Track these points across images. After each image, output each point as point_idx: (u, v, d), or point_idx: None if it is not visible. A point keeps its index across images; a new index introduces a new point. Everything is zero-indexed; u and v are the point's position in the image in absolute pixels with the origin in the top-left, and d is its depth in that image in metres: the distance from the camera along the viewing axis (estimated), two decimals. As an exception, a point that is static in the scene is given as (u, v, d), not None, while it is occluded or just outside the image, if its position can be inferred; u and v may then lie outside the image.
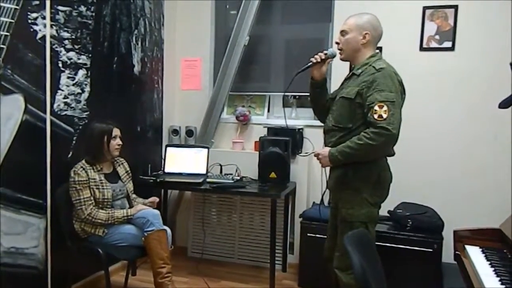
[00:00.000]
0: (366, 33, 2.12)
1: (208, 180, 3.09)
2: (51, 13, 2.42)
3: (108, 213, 2.46)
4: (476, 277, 1.47)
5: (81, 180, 2.42)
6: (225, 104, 3.57)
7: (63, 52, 2.54)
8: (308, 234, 2.89)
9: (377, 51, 2.19)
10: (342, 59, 2.22)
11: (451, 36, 2.96)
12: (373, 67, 2.05)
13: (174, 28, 3.68)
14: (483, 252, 1.67)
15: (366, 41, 2.12)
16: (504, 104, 1.68)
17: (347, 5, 3.03)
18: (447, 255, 2.46)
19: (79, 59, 2.66)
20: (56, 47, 2.48)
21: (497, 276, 1.43)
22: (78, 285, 2.73)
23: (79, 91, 2.69)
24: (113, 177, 2.61)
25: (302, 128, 3.31)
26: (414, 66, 2.97)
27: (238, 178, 3.20)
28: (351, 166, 2.07)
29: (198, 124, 3.58)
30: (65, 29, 2.54)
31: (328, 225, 2.33)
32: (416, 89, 2.82)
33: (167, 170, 3.26)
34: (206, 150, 3.25)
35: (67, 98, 2.59)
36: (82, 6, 2.66)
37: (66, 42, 2.56)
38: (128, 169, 2.73)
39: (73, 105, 2.64)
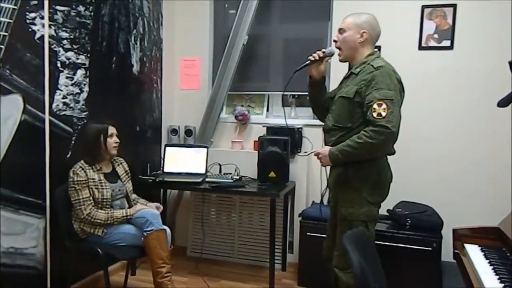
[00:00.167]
0: (363, 32, 2.12)
1: (207, 179, 3.09)
2: (49, 13, 2.42)
3: (107, 213, 2.46)
4: (475, 275, 1.47)
5: (80, 180, 2.41)
6: (224, 104, 3.56)
7: (62, 52, 2.54)
8: (308, 233, 2.89)
9: (376, 49, 2.19)
10: (341, 60, 2.22)
11: (449, 35, 2.96)
12: (372, 65, 2.05)
13: (173, 27, 3.67)
14: (482, 250, 1.67)
15: (364, 40, 2.12)
16: (502, 103, 1.68)
17: (346, 5, 3.03)
18: (446, 254, 2.46)
19: (77, 59, 2.66)
20: (55, 47, 2.48)
21: (496, 274, 1.43)
22: (77, 285, 2.73)
23: (78, 91, 2.69)
24: (112, 176, 2.61)
25: (301, 128, 3.31)
26: (413, 65, 2.97)
27: (237, 177, 3.20)
28: (351, 165, 2.07)
29: (197, 123, 3.58)
30: (64, 29, 2.54)
31: (328, 224, 2.33)
32: (415, 88, 2.82)
33: (166, 169, 3.26)
34: (205, 149, 3.25)
35: (66, 98, 2.59)
36: (81, 6, 2.66)
37: (65, 42, 2.55)
38: (127, 168, 2.73)
39: (72, 105, 2.64)
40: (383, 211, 2.46)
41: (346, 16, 2.19)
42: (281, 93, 3.41)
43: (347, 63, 2.29)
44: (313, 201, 3.27)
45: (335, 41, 2.21)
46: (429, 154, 3.03)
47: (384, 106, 1.95)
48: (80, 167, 2.45)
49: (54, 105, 2.50)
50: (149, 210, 2.55)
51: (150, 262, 2.47)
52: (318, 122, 2.47)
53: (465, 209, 2.89)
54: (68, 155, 2.61)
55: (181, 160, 3.26)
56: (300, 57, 2.35)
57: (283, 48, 3.49)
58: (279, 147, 3.08)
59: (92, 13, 2.75)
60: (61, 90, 2.55)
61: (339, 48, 2.20)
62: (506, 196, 2.69)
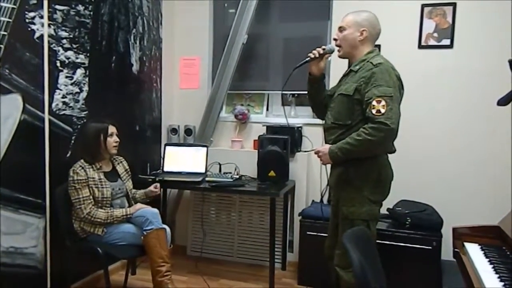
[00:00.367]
0: (363, 30, 2.12)
1: (207, 179, 3.08)
2: (48, 12, 2.42)
3: (107, 212, 2.46)
4: (475, 274, 1.47)
5: (80, 179, 2.41)
6: (223, 103, 3.56)
7: (61, 51, 2.53)
8: (308, 232, 2.89)
9: (375, 47, 2.19)
10: (340, 56, 2.22)
11: (449, 33, 2.96)
12: (371, 62, 2.05)
13: (172, 26, 3.67)
14: (482, 249, 1.67)
15: (364, 38, 2.13)
16: (502, 102, 1.68)
17: (346, 3, 3.02)
18: (446, 253, 2.46)
19: (77, 58, 2.66)
20: (54, 47, 2.48)
21: (496, 273, 1.43)
22: (77, 284, 2.74)
23: (78, 90, 2.68)
24: (112, 175, 2.61)
25: (301, 126, 3.31)
26: (412, 64, 2.97)
27: (237, 176, 3.20)
28: (352, 164, 2.07)
29: (197, 123, 3.58)
30: (63, 28, 2.54)
31: (329, 223, 2.33)
32: (415, 87, 2.82)
33: (166, 169, 3.26)
34: (205, 149, 3.25)
35: (66, 97, 2.59)
36: (80, 5, 2.65)
37: (64, 41, 2.55)
38: (127, 167, 2.73)
39: (71, 105, 2.64)
40: (383, 210, 2.46)
41: (346, 14, 2.19)
42: (280, 92, 3.41)
43: (346, 61, 2.29)
44: (313, 200, 3.27)
45: (335, 39, 2.21)
46: (429, 153, 3.03)
47: (383, 103, 1.95)
48: (80, 166, 2.45)
49: (53, 105, 2.49)
50: (149, 209, 2.55)
51: (150, 261, 2.47)
52: (318, 121, 2.47)
53: (465, 208, 2.89)
54: (68, 155, 2.60)
55: (181, 160, 3.26)
56: (300, 56, 2.35)
57: (283, 47, 3.49)
58: (279, 146, 3.08)
59: (91, 13, 2.75)
60: (61, 90, 2.55)
61: (339, 46, 2.19)
62: (506, 195, 2.69)
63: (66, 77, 2.58)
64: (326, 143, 2.21)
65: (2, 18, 2.14)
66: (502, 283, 1.35)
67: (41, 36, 2.38)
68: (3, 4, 2.14)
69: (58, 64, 2.52)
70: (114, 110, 3.00)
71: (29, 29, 2.31)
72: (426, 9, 3.00)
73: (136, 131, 3.32)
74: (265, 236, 3.27)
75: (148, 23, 3.38)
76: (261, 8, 3.41)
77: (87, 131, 2.54)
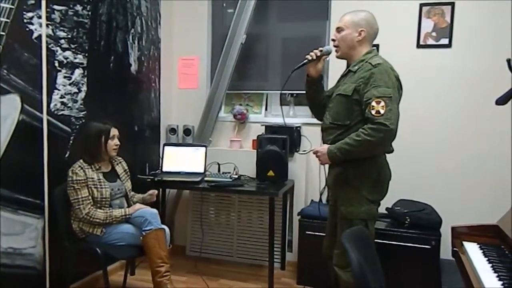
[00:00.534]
0: (361, 30, 2.12)
1: (206, 179, 3.08)
2: (46, 12, 2.41)
3: (106, 212, 2.46)
4: (474, 273, 1.47)
5: (79, 179, 2.41)
6: (222, 103, 3.56)
7: (59, 51, 2.53)
8: (307, 232, 2.90)
9: (374, 48, 2.19)
10: (338, 57, 2.22)
11: (448, 33, 2.96)
12: (370, 63, 2.05)
13: (171, 26, 3.67)
14: (480, 248, 1.67)
15: (362, 38, 2.12)
16: (501, 101, 1.69)
17: (344, 3, 3.02)
18: (445, 252, 2.46)
19: (75, 58, 2.65)
20: (52, 47, 2.47)
21: (495, 272, 1.43)
22: (76, 285, 2.73)
23: (76, 90, 2.68)
24: (111, 176, 2.60)
25: (299, 126, 3.31)
26: (411, 63, 2.97)
27: (236, 176, 3.20)
28: (350, 164, 2.07)
29: (195, 123, 3.58)
30: (61, 28, 2.53)
31: (327, 223, 2.33)
32: (413, 86, 2.82)
33: (165, 169, 3.26)
34: (204, 148, 3.25)
35: (64, 97, 2.58)
36: (78, 5, 2.65)
37: (62, 41, 2.55)
38: (126, 168, 2.73)
39: (70, 105, 2.63)
40: (382, 209, 2.46)
41: (344, 14, 2.19)
42: (279, 92, 3.40)
43: (345, 61, 2.29)
44: (312, 200, 3.27)
45: (333, 39, 2.21)
46: (427, 152, 3.04)
47: (382, 103, 1.95)
48: (79, 166, 2.45)
49: (52, 105, 2.49)
50: (148, 209, 2.55)
51: (149, 261, 2.46)
52: (316, 120, 2.47)
53: (464, 207, 2.90)
54: (67, 155, 2.60)
55: (179, 160, 3.25)
56: (298, 56, 2.35)
57: (282, 47, 3.49)
58: (278, 146, 3.08)
59: (89, 13, 2.75)
60: (59, 90, 2.54)
61: (337, 47, 2.19)
62: (504, 194, 2.69)
63: (65, 77, 2.58)
64: (324, 143, 2.20)
65: (0, 19, 2.14)
66: (501, 282, 1.35)
67: (39, 36, 2.38)
68: (1, 5, 2.14)
69: (57, 64, 2.51)
70: (113, 110, 3.00)
71: (27, 29, 2.30)
72: (425, 9, 3.00)
73: (135, 131, 3.32)
74: (264, 236, 3.27)
75: (147, 23, 3.37)
76: (259, 8, 3.41)
77: (88, 131, 2.53)
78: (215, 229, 3.52)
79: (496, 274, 1.41)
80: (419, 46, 3.03)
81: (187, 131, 3.57)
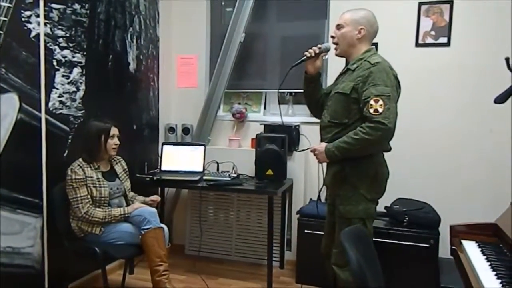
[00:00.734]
0: (361, 28, 2.12)
1: (204, 177, 3.08)
2: (45, 11, 2.40)
3: (105, 211, 2.45)
4: (473, 272, 1.47)
5: (78, 178, 2.41)
6: (221, 102, 3.56)
7: (58, 50, 2.52)
8: (305, 231, 2.90)
9: (372, 46, 2.19)
10: (337, 55, 2.22)
11: (446, 31, 2.96)
12: (368, 61, 2.05)
13: (169, 25, 3.66)
14: (479, 246, 1.67)
15: (362, 36, 2.12)
16: (499, 99, 1.69)
17: (343, 2, 3.02)
18: (444, 250, 2.46)
19: (73, 57, 2.65)
20: (51, 45, 2.47)
21: (493, 270, 1.43)
22: (75, 284, 2.73)
23: (74, 89, 2.68)
24: (110, 175, 2.60)
25: (298, 125, 3.31)
26: (409, 62, 2.97)
27: (235, 175, 3.19)
28: (348, 162, 2.07)
29: (194, 121, 3.57)
30: (59, 27, 2.53)
31: (326, 222, 2.34)
32: (412, 85, 2.82)
33: (163, 168, 3.25)
34: (202, 147, 3.24)
35: (62, 96, 2.58)
36: (76, 4, 2.64)
37: (61, 40, 2.54)
38: (125, 167, 2.73)
39: (68, 104, 2.63)
40: (380, 208, 2.46)
41: (344, 12, 2.18)
42: (277, 90, 3.40)
43: (343, 59, 2.29)
44: (310, 199, 3.28)
45: (332, 37, 2.21)
46: (426, 150, 3.04)
47: (381, 102, 1.95)
48: (78, 165, 2.44)
49: (50, 104, 2.48)
50: (147, 208, 2.54)
51: (148, 260, 2.46)
52: (315, 119, 2.47)
53: (462, 206, 2.90)
54: (65, 154, 2.60)
55: (178, 159, 3.25)
56: (297, 55, 2.34)
57: (280, 45, 3.48)
58: (277, 144, 3.08)
59: (88, 11, 2.74)
60: (57, 89, 2.54)
61: (336, 44, 2.19)
62: (503, 192, 2.69)
63: (63, 76, 2.57)
64: (322, 141, 2.20)
65: (-2, 17, 2.14)
66: (499, 281, 1.35)
67: (38, 35, 2.37)
68: (-1, 3, 2.13)
69: (55, 63, 2.51)
70: (111, 109, 2.99)
71: (25, 28, 2.30)
72: (423, 7, 3.00)
73: (134, 130, 3.31)
74: (263, 235, 3.27)
75: (145, 21, 3.37)
76: (258, 7, 3.40)
77: (88, 130, 2.53)
78: (214, 228, 3.52)
79: (494, 273, 1.41)
80: (417, 45, 3.04)
81: (185, 130, 3.57)
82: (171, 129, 3.60)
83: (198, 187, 3.05)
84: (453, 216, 2.43)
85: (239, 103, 3.61)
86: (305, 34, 3.39)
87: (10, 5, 2.18)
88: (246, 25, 3.35)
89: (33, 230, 2.41)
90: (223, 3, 3.64)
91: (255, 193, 3.21)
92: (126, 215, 2.49)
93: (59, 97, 2.55)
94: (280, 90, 3.29)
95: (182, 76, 3.70)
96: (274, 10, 3.47)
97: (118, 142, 2.57)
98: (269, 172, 3.07)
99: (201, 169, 3.18)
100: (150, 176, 3.09)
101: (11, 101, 2.23)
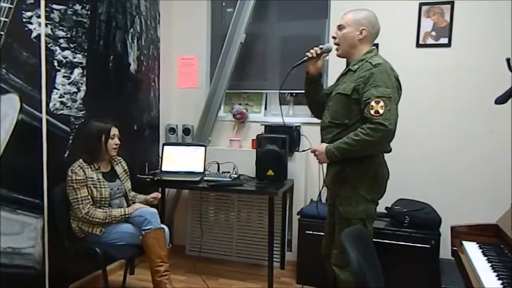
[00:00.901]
0: (363, 29, 2.11)
1: (205, 178, 3.08)
2: (46, 11, 2.41)
3: (106, 212, 2.46)
4: (474, 272, 1.47)
5: (78, 179, 2.41)
6: (222, 102, 3.56)
7: (59, 51, 2.53)
8: (306, 231, 2.90)
9: (374, 47, 2.19)
10: (338, 55, 2.22)
11: (447, 32, 2.96)
12: (370, 63, 2.05)
13: (170, 26, 3.66)
14: (480, 247, 1.67)
15: (363, 37, 2.12)
16: (500, 100, 1.69)
17: (343, 2, 3.02)
18: (445, 251, 2.46)
19: (74, 58, 2.65)
20: (51, 46, 2.47)
21: (494, 271, 1.43)
22: (75, 284, 2.73)
23: (75, 90, 2.68)
24: (111, 175, 2.60)
25: (299, 126, 3.31)
26: (410, 63, 2.97)
27: (236, 176, 3.19)
28: (348, 163, 2.07)
29: (195, 122, 3.58)
30: (60, 27, 2.53)
31: (326, 223, 2.33)
32: (413, 86, 2.82)
33: (164, 168, 3.25)
34: (203, 148, 3.24)
35: (63, 97, 2.58)
36: (77, 5, 2.65)
37: (61, 41, 2.54)
38: (126, 167, 2.73)
39: (69, 104, 2.63)
40: (381, 208, 2.46)
41: (345, 12, 2.18)
42: (278, 91, 3.40)
43: (344, 60, 2.29)
44: (311, 199, 3.27)
45: (334, 37, 2.20)
46: (427, 151, 3.04)
47: (381, 103, 1.94)
48: (79, 165, 2.44)
49: (51, 104, 2.49)
50: (147, 208, 2.55)
51: (149, 261, 2.46)
52: (316, 120, 2.47)
53: (463, 207, 2.90)
54: (66, 154, 2.60)
55: (179, 159, 3.25)
56: (298, 55, 2.34)
57: (281, 46, 3.48)
58: (277, 145, 3.08)
59: (88, 12, 2.74)
60: (58, 89, 2.54)
61: (337, 45, 2.19)
62: (504, 193, 2.69)
63: (64, 76, 2.58)
64: (323, 142, 2.20)
65: (-1, 18, 2.14)
66: (500, 282, 1.35)
67: (38, 35, 2.37)
68: (0, 4, 2.13)
69: (56, 64, 2.51)
70: (112, 110, 2.99)
71: (26, 28, 2.30)
72: (424, 8, 3.00)
73: (134, 130, 3.31)
74: (263, 235, 3.27)
75: (146, 22, 3.37)
76: (259, 7, 3.40)
77: (89, 130, 2.53)
78: (214, 228, 3.52)
79: (495, 274, 1.41)
80: (418, 45, 3.03)
81: (186, 131, 3.57)
82: (172, 130, 3.60)
83: (198, 187, 3.05)
84: (454, 217, 2.43)
85: (240, 104, 3.61)
86: (305, 34, 3.39)
87: (11, 6, 2.19)
88: (246, 26, 3.36)
89: (34, 231, 2.41)
90: (223, 4, 3.64)
91: (256, 194, 3.21)
92: (127, 216, 2.49)
93: (60, 97, 2.55)
94: (281, 91, 3.30)
95: (182, 77, 3.70)
96: (275, 10, 3.47)
97: (118, 142, 2.57)
98: (270, 172, 3.07)
99: (201, 170, 3.18)
100: (151, 177, 3.09)
101: (12, 101, 2.23)
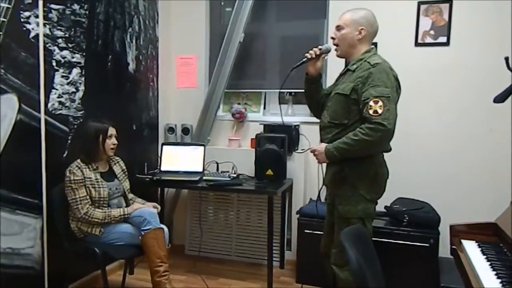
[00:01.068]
0: (361, 29, 2.11)
1: (204, 178, 3.08)
2: (44, 11, 2.40)
3: (105, 212, 2.45)
4: (473, 271, 1.47)
5: (76, 179, 2.40)
6: (221, 102, 3.56)
7: (57, 51, 2.52)
8: (305, 231, 2.90)
9: (372, 46, 2.19)
10: (338, 56, 2.22)
11: (446, 31, 2.96)
12: (368, 62, 2.05)
13: (168, 25, 3.66)
14: (479, 246, 1.67)
15: (362, 37, 2.12)
16: (499, 99, 1.69)
17: (342, 2, 3.02)
18: (444, 250, 2.46)
19: (73, 57, 2.65)
20: (50, 46, 2.47)
21: (493, 270, 1.43)
22: (75, 285, 2.73)
23: (74, 90, 2.67)
24: (109, 175, 2.60)
25: (298, 125, 3.31)
26: (409, 62, 2.97)
27: (235, 175, 3.19)
28: (347, 162, 2.07)
29: (194, 122, 3.57)
30: (59, 27, 2.52)
31: (325, 222, 2.33)
32: (412, 85, 2.82)
33: (163, 168, 3.25)
34: (202, 147, 3.24)
35: (62, 97, 2.58)
36: (76, 4, 2.64)
37: (60, 40, 2.54)
38: (124, 167, 2.72)
39: (67, 104, 2.63)
40: (380, 207, 2.46)
41: (344, 12, 2.18)
42: (277, 90, 3.40)
43: (343, 60, 2.29)
44: (310, 198, 3.28)
45: (332, 38, 2.20)
46: (426, 150, 3.04)
47: (380, 103, 1.94)
48: (77, 166, 2.44)
49: (49, 105, 2.48)
50: (147, 208, 2.55)
51: (148, 261, 2.46)
52: (315, 119, 2.47)
53: (462, 205, 2.90)
54: (64, 154, 2.59)
55: (178, 159, 3.25)
56: (296, 54, 2.35)
57: (280, 45, 3.48)
58: (276, 144, 3.08)
59: (87, 12, 2.74)
60: (57, 89, 2.54)
61: (336, 45, 2.19)
62: (503, 192, 2.69)
63: (62, 76, 2.57)
64: (322, 142, 2.20)
65: (-3, 18, 2.13)
66: (499, 280, 1.35)
67: (37, 35, 2.37)
68: (-2, 4, 2.13)
69: (54, 64, 2.51)
70: (111, 110, 2.99)
71: (24, 28, 2.29)
72: (423, 7, 3.00)
73: (133, 130, 3.31)
74: (263, 235, 3.27)
75: (144, 22, 3.36)
76: (257, 7, 3.40)
77: (86, 130, 2.53)
78: (214, 228, 3.52)
79: (494, 272, 1.41)
80: (417, 44, 3.03)
81: (185, 130, 3.56)
82: (171, 129, 3.60)
83: (198, 187, 3.05)
84: (453, 216, 2.43)
85: (239, 103, 3.61)
86: (304, 34, 3.39)
87: (9, 6, 2.18)
88: (245, 25, 3.35)
89: (33, 231, 2.41)
90: (222, 3, 3.63)
91: (255, 193, 3.21)
92: (126, 216, 2.49)
93: (58, 97, 2.55)
94: (281, 91, 3.29)
95: (181, 76, 3.70)
96: (274, 10, 3.47)
97: (116, 142, 2.57)
98: (269, 172, 3.07)
99: (201, 169, 3.17)
100: (150, 177, 3.09)
101: (11, 102, 2.23)
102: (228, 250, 3.49)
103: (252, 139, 3.36)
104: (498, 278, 1.37)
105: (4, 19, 2.16)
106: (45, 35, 2.42)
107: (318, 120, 2.33)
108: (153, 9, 3.47)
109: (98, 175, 2.51)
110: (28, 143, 2.36)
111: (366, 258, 1.43)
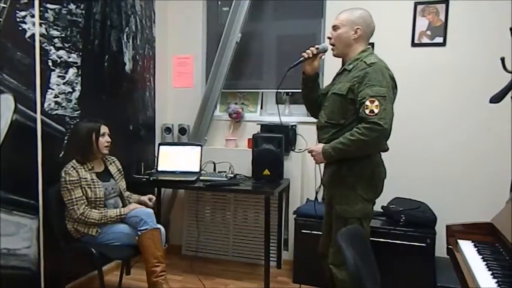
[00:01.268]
0: (358, 28, 2.11)
1: (201, 178, 3.08)
2: (40, 11, 2.39)
3: (101, 212, 2.45)
4: (469, 271, 1.47)
5: (72, 180, 2.40)
6: (217, 102, 3.55)
7: (53, 50, 2.51)
8: (302, 231, 2.90)
9: (369, 46, 2.19)
10: (334, 55, 2.22)
11: (442, 31, 2.97)
12: (364, 62, 2.05)
13: (165, 25, 3.65)
14: (475, 246, 1.67)
15: (358, 36, 2.12)
16: (495, 99, 1.69)
17: (339, 1, 3.02)
18: (440, 250, 2.47)
19: (69, 57, 2.64)
20: (46, 46, 2.46)
21: (489, 270, 1.44)
22: (71, 285, 2.72)
23: (70, 90, 2.66)
24: (105, 175, 2.59)
25: (295, 125, 3.31)
26: (405, 62, 2.98)
27: (232, 175, 3.19)
28: (345, 162, 2.07)
29: (191, 122, 3.57)
30: (55, 27, 2.51)
31: (323, 222, 2.34)
32: (408, 85, 2.83)
33: (160, 168, 3.25)
34: (199, 148, 3.24)
35: (58, 97, 2.57)
36: (72, 4, 2.63)
37: (56, 40, 2.53)
38: (120, 167, 2.72)
39: (64, 104, 2.62)
40: (377, 207, 2.46)
41: (340, 12, 2.18)
42: (275, 90, 3.41)
43: (340, 59, 2.29)
44: (307, 199, 3.28)
45: (329, 38, 2.20)
46: (422, 150, 3.04)
47: (376, 103, 1.95)
48: (72, 166, 2.43)
49: (45, 105, 2.47)
50: (143, 209, 2.54)
51: (145, 261, 2.46)
52: (312, 119, 2.47)
53: (459, 205, 2.91)
54: (61, 155, 2.58)
55: (175, 159, 3.24)
56: (293, 54, 2.34)
57: (277, 45, 3.48)
58: (273, 144, 3.08)
59: (83, 11, 2.73)
60: (53, 89, 2.53)
61: (333, 45, 2.19)
62: (499, 191, 2.69)
63: (58, 76, 2.56)
64: (319, 142, 2.20)
65: (-7, 18, 2.12)
66: (495, 280, 1.35)
67: (33, 35, 2.36)
68: (-6, 3, 2.12)
69: (50, 64, 2.50)
70: (107, 110, 2.98)
71: (20, 28, 2.28)
72: (419, 7, 3.01)
73: (130, 130, 3.30)
74: (260, 235, 3.27)
75: (141, 21, 3.36)
76: (254, 6, 3.40)
77: (79, 130, 2.53)
78: (211, 228, 3.52)
79: (490, 272, 1.41)
80: (413, 44, 3.04)
81: (182, 130, 3.56)
82: (168, 129, 3.59)
83: (195, 187, 3.05)
84: (450, 216, 2.44)
85: (236, 103, 3.60)
86: (301, 34, 3.39)
87: (5, 5, 2.17)
88: (242, 25, 3.35)
89: (29, 232, 2.40)
90: (219, 3, 3.63)
91: (252, 193, 3.21)
92: (123, 216, 2.49)
93: (54, 97, 2.54)
94: (278, 90, 3.30)
95: (178, 76, 3.69)
96: (270, 10, 3.47)
97: (109, 140, 2.56)
98: (266, 172, 3.07)
99: (197, 170, 3.17)
100: (147, 177, 3.09)
101: (6, 102, 2.22)
102: (225, 250, 3.49)
103: (249, 139, 3.36)
104: (494, 278, 1.37)
105: (-1, 19, 2.15)
106: (41, 35, 2.42)
107: (315, 120, 2.33)
108: (150, 8, 3.46)
109: (94, 175, 2.50)
110: (24, 144, 2.35)
111: (363, 258, 1.43)
